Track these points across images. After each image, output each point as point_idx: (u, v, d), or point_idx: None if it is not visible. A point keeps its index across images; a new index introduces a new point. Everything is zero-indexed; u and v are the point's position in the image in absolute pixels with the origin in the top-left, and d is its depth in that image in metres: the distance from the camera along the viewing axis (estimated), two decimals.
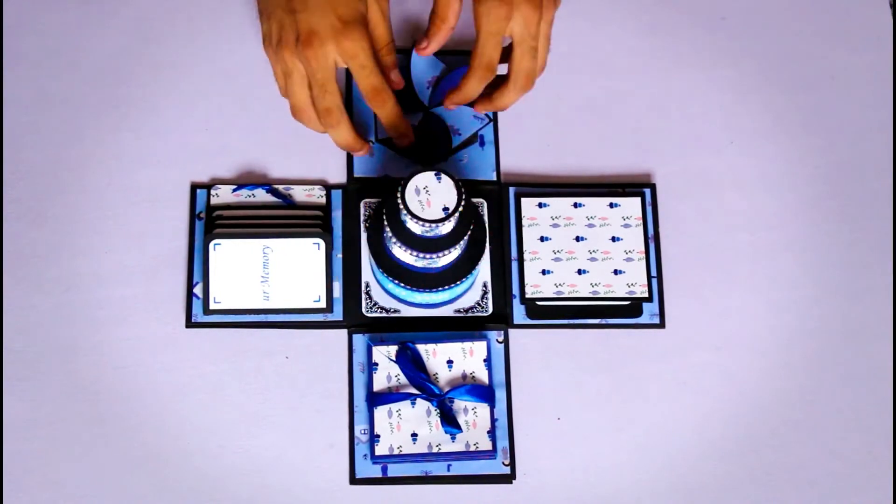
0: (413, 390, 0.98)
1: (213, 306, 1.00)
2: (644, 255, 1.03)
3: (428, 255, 0.93)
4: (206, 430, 0.98)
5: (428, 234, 0.91)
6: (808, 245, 1.06)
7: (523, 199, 1.04)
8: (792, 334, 1.03)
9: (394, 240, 0.93)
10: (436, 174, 0.91)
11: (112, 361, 1.00)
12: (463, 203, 0.91)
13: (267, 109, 1.07)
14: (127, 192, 1.05)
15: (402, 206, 0.90)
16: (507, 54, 0.99)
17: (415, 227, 0.91)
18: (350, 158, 1.06)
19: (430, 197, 0.91)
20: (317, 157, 1.06)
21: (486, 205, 1.05)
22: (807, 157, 1.08)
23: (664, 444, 0.99)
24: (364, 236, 1.03)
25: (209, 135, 1.07)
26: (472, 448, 0.97)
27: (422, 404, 0.98)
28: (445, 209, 0.90)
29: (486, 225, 1.04)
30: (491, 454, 0.97)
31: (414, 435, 0.97)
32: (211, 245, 1.01)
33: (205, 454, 0.98)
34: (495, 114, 1.08)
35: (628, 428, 1.00)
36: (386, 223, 0.93)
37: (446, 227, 0.91)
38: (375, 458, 0.97)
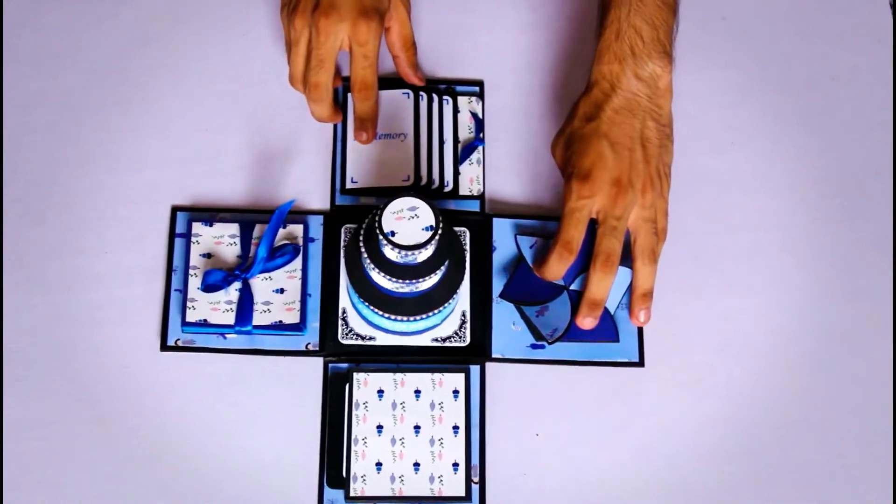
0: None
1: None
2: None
3: (404, 281, 0.91)
4: (206, 430, 0.98)
5: (404, 262, 0.90)
6: (808, 245, 1.05)
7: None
8: (792, 334, 1.03)
9: (370, 264, 0.91)
10: (413, 201, 0.90)
11: (112, 361, 1.00)
12: (441, 230, 0.89)
13: (264, 110, 1.07)
14: (127, 193, 1.05)
15: (378, 233, 0.89)
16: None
17: (391, 254, 0.90)
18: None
19: (407, 223, 0.89)
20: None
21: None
22: (807, 157, 1.08)
23: (664, 445, 0.99)
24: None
25: (208, 135, 1.07)
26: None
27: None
28: (425, 236, 0.89)
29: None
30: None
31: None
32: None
33: (205, 454, 0.98)
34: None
35: (628, 428, 1.00)
36: (362, 246, 0.91)
37: (423, 255, 0.90)
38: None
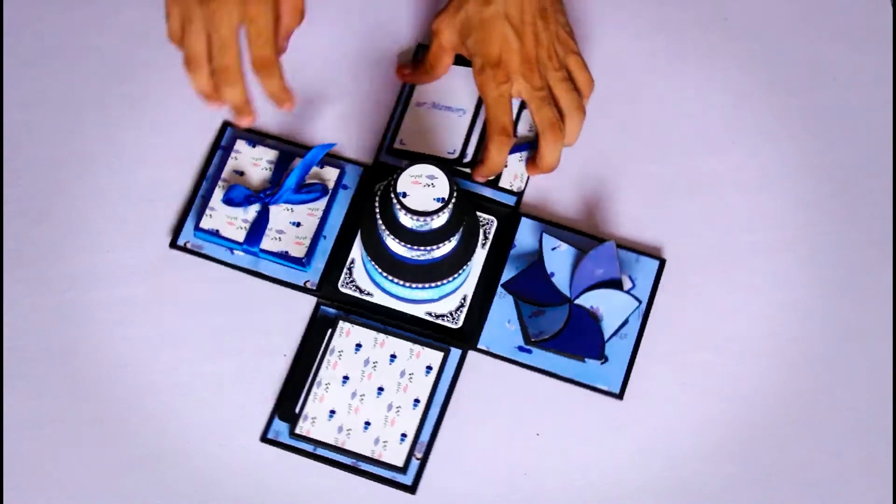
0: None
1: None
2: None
3: (410, 246, 0.92)
4: (206, 430, 0.98)
5: (420, 228, 0.91)
6: (808, 245, 1.06)
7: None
8: (792, 334, 1.03)
9: (384, 230, 0.92)
10: (433, 170, 0.91)
11: (112, 361, 1.00)
12: (451, 204, 0.90)
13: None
14: (127, 192, 1.05)
15: (391, 191, 0.90)
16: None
17: (406, 220, 0.91)
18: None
19: (422, 190, 0.91)
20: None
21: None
22: (807, 157, 1.08)
23: (664, 445, 0.99)
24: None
25: (209, 134, 1.07)
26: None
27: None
28: (435, 206, 0.90)
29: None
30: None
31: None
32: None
33: (205, 454, 0.98)
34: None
35: (629, 428, 1.00)
36: (378, 214, 0.93)
37: (437, 222, 0.91)
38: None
